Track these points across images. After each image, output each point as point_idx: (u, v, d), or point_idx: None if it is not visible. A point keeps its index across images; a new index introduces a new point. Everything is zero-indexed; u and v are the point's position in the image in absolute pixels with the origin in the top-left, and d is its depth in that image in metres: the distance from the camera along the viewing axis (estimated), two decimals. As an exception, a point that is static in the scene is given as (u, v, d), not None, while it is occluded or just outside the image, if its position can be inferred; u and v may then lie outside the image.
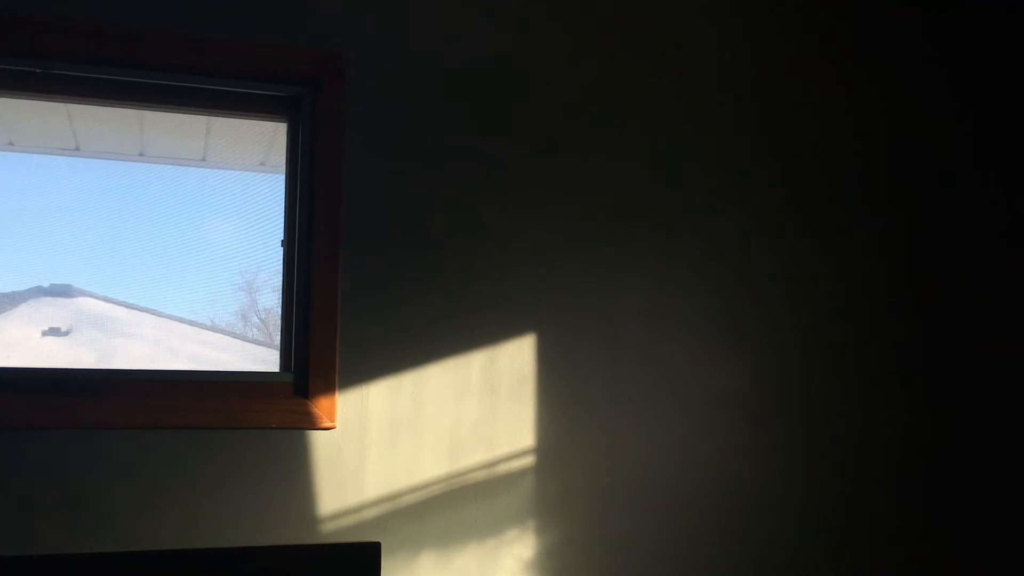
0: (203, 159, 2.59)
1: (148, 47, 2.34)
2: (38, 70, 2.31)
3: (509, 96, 2.66)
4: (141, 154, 2.54)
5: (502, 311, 2.58)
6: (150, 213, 2.48)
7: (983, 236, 3.07)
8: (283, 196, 2.51)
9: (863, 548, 2.85)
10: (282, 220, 2.50)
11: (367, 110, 2.51)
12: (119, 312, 2.47)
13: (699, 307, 2.76)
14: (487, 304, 2.57)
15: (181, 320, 2.52)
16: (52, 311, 2.40)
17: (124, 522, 2.24)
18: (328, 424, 2.38)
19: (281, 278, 2.50)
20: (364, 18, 2.53)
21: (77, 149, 2.48)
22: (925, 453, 2.94)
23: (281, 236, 2.50)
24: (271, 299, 2.55)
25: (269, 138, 2.58)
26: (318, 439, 2.40)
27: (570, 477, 2.59)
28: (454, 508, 2.49)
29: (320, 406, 2.38)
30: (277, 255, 2.51)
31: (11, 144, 2.44)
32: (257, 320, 2.60)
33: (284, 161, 2.52)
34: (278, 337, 2.49)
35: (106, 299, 2.47)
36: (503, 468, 2.53)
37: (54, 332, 2.40)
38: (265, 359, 2.55)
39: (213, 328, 2.55)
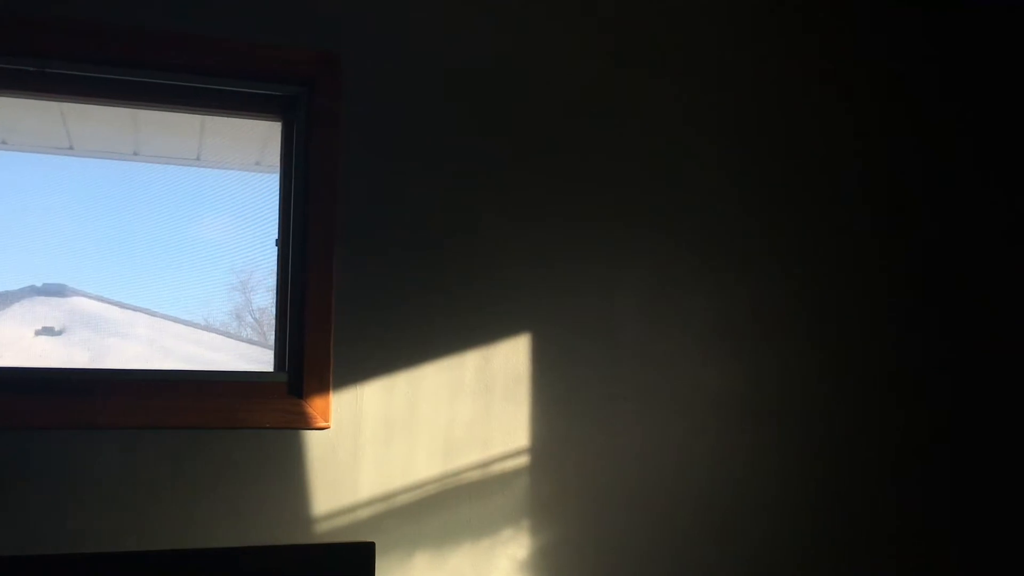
0: (198, 158, 2.59)
1: (145, 47, 2.34)
2: (32, 69, 2.31)
3: (509, 96, 2.66)
4: (136, 153, 2.53)
5: (497, 311, 2.57)
6: (144, 212, 2.48)
7: (983, 236, 3.07)
8: (278, 195, 2.51)
9: (858, 548, 2.84)
10: (277, 219, 2.51)
11: (367, 110, 2.51)
12: (113, 312, 2.47)
13: (698, 307, 2.76)
14: (482, 304, 2.56)
15: (175, 320, 2.52)
16: (45, 311, 2.40)
17: (117, 522, 2.24)
18: (322, 424, 2.38)
19: (276, 277, 2.50)
20: (364, 18, 2.53)
21: (71, 148, 2.48)
22: (921, 453, 2.93)
23: (276, 235, 2.50)
24: (265, 299, 2.55)
25: (264, 138, 2.58)
26: (312, 439, 2.40)
27: (565, 477, 2.58)
28: (448, 508, 2.48)
29: (314, 406, 2.38)
30: (272, 254, 2.51)
31: (4, 143, 2.44)
32: (251, 320, 2.60)
33: (279, 161, 2.52)
34: (272, 337, 2.50)
35: (100, 299, 2.47)
36: (498, 468, 2.53)
37: (47, 332, 2.40)
38: (259, 359, 2.55)
39: (207, 328, 2.55)
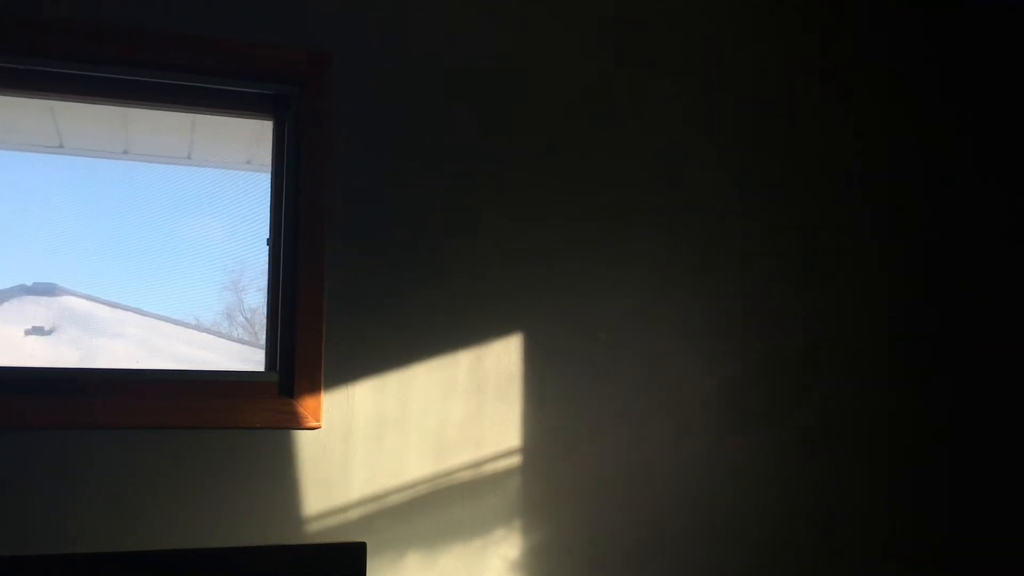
0: (188, 157, 2.59)
1: (139, 45, 2.34)
2: (22, 67, 2.31)
3: (509, 96, 2.66)
4: (126, 152, 2.54)
5: (489, 311, 2.57)
6: (135, 211, 2.48)
7: (983, 236, 3.05)
8: (269, 195, 2.51)
9: (855, 549, 2.82)
10: (268, 219, 2.50)
11: (366, 109, 2.51)
12: (103, 311, 2.47)
13: (697, 307, 2.75)
14: (474, 304, 2.56)
15: (166, 319, 2.52)
16: (35, 310, 2.41)
17: (109, 522, 2.24)
18: (313, 424, 2.37)
19: (267, 277, 2.49)
20: (363, 18, 2.54)
21: (61, 146, 2.48)
22: (919, 454, 2.91)
23: (267, 235, 2.50)
24: (256, 298, 2.55)
25: (255, 136, 2.57)
26: (303, 439, 2.39)
27: (557, 477, 2.57)
28: (440, 508, 2.48)
29: (305, 405, 2.37)
30: (263, 254, 2.51)
31: (-7, 141, 2.45)
32: (242, 319, 2.60)
33: (270, 160, 2.52)
34: (263, 336, 2.49)
35: (90, 298, 2.47)
36: (489, 468, 2.52)
37: (37, 331, 2.41)
38: (250, 358, 2.55)
39: (198, 327, 2.55)
